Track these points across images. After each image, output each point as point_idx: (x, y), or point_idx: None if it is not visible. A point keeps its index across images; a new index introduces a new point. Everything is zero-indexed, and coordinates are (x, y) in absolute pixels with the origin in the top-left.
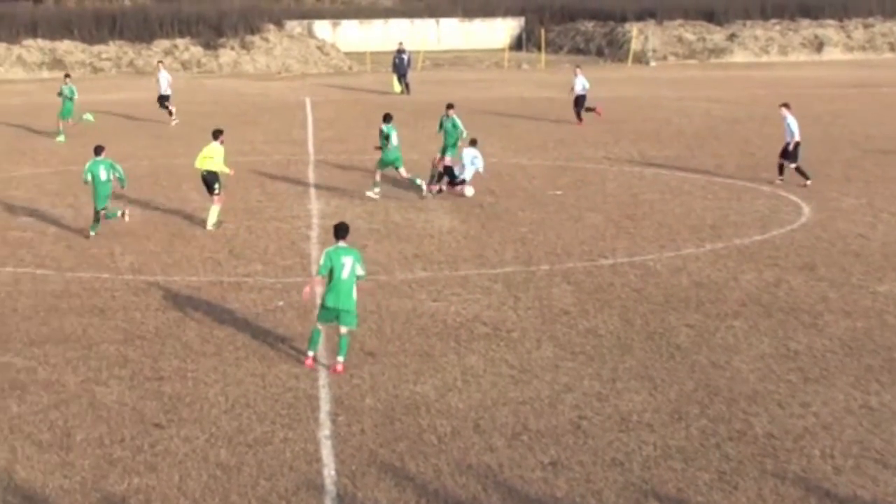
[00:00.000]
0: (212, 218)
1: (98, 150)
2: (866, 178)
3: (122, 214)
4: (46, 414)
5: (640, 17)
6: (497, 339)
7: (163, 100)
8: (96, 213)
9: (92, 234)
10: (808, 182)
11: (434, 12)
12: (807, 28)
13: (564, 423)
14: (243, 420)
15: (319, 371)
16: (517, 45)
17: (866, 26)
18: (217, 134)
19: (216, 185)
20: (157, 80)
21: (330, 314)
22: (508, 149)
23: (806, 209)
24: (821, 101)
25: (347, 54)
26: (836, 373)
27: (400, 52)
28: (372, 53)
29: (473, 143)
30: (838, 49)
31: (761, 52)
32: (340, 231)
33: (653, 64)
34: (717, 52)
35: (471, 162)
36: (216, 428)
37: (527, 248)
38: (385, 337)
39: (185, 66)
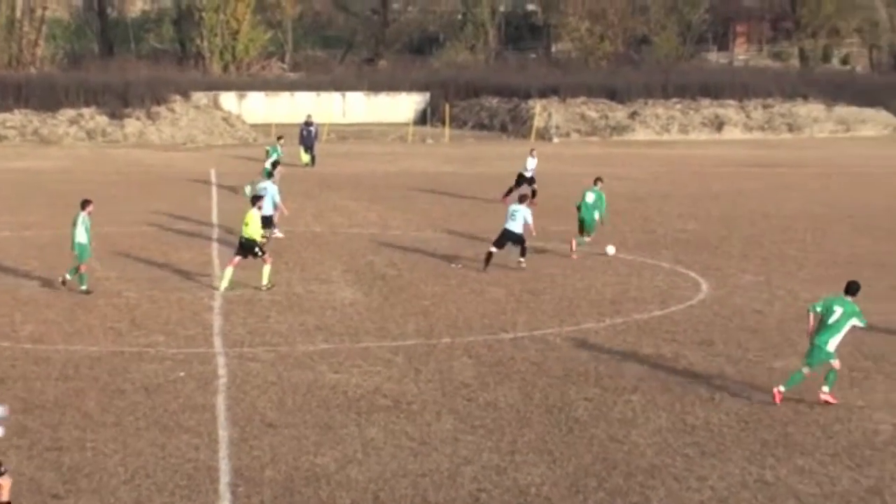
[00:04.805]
0: (265, 277)
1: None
2: (764, 256)
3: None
4: None
5: (543, 93)
6: (397, 411)
7: None
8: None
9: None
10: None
11: (340, 86)
12: (707, 107)
13: (464, 496)
14: (143, 491)
15: (220, 442)
16: (422, 119)
17: (765, 107)
18: (255, 200)
19: (256, 249)
20: None
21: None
22: (412, 222)
23: (704, 285)
24: (720, 180)
25: (253, 126)
26: (732, 447)
27: (307, 124)
28: (277, 125)
29: (522, 199)
30: (738, 129)
31: (662, 130)
32: (851, 287)
33: (556, 140)
34: (619, 129)
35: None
36: (115, 499)
37: (428, 320)
38: (286, 408)
39: (90, 135)
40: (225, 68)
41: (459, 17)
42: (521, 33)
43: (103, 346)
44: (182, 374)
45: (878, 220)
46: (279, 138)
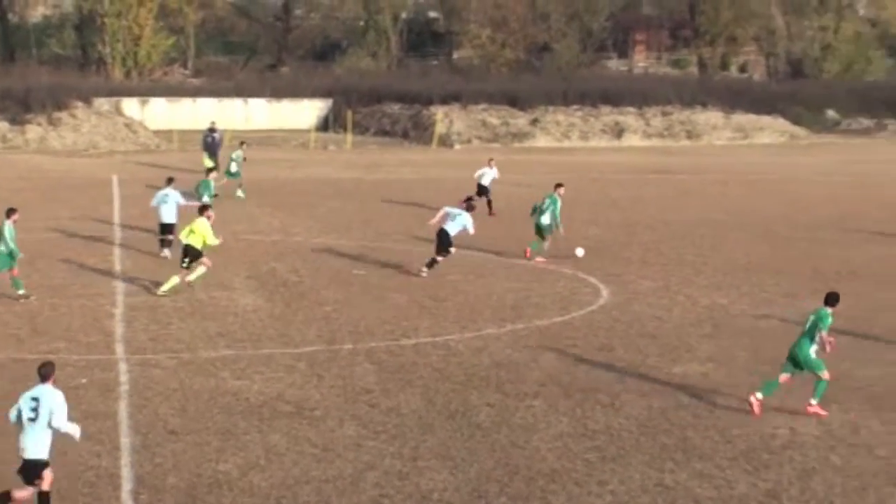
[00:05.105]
0: (167, 285)
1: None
2: (663, 262)
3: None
4: None
5: (445, 100)
6: (300, 417)
7: None
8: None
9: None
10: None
11: (242, 92)
12: (607, 115)
13: (366, 502)
14: None
15: (122, 449)
16: (324, 125)
17: (664, 114)
18: (203, 209)
19: (186, 259)
20: None
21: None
22: (314, 228)
23: (605, 291)
24: (620, 186)
25: (155, 132)
26: (632, 452)
27: (212, 130)
28: (180, 132)
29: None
30: (637, 136)
31: (563, 137)
32: (828, 299)
33: (457, 147)
34: (521, 136)
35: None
36: None
37: (330, 327)
38: (188, 415)
39: None
40: (127, 74)
41: (362, 23)
42: (423, 40)
43: (4, 353)
44: (84, 380)
45: (775, 227)
46: (241, 143)
